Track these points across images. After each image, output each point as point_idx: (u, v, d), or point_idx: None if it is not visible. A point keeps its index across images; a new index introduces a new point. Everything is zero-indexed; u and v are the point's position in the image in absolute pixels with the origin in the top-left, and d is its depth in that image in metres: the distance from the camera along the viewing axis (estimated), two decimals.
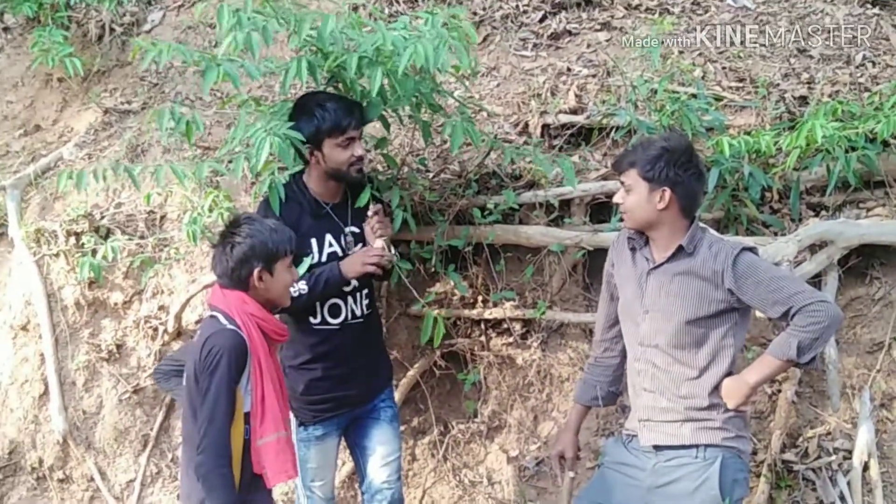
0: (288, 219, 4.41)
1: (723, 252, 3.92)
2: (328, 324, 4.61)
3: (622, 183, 4.04)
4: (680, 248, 3.98)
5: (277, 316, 4.18)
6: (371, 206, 4.63)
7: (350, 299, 4.63)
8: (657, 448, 4.06)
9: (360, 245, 4.63)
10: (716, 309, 3.92)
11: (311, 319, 4.60)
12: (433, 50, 4.21)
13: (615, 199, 4.14)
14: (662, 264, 4.04)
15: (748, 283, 3.85)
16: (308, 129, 4.40)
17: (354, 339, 4.67)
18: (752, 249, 3.99)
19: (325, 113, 4.40)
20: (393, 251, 4.68)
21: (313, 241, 4.56)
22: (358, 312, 4.67)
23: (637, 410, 4.18)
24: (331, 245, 4.59)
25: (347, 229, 4.64)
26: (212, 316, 3.92)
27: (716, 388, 3.97)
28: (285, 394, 4.08)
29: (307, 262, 4.47)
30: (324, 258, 4.56)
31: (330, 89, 4.74)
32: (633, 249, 4.16)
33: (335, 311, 4.61)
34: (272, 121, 4.34)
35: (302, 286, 4.41)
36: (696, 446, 3.96)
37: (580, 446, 4.59)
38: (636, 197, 3.98)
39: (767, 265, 3.97)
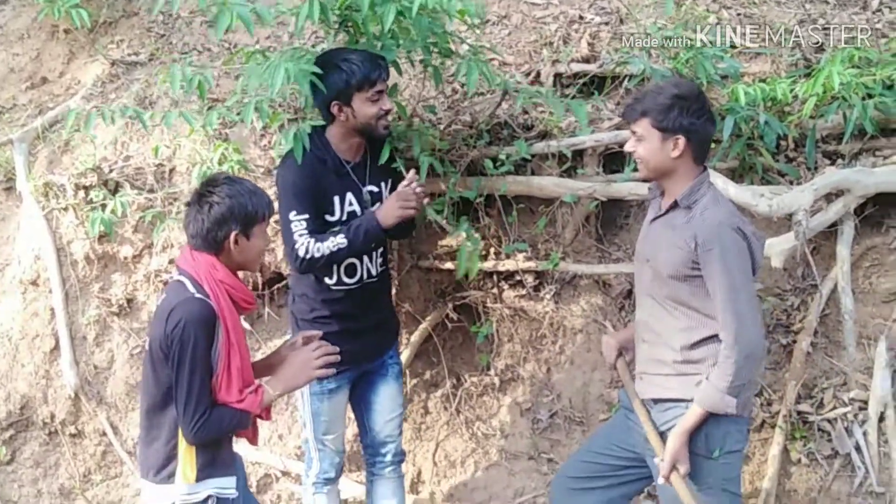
0: (312, 174, 4.39)
1: (705, 224, 3.80)
2: (344, 284, 4.59)
3: (633, 132, 3.98)
4: (675, 203, 3.92)
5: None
6: (407, 176, 4.55)
7: (366, 258, 4.60)
8: (653, 400, 4.07)
9: (378, 204, 4.58)
10: (696, 272, 3.84)
11: (327, 280, 4.57)
12: None
13: (626, 148, 4.06)
14: (662, 215, 4.00)
15: (707, 269, 3.78)
16: (338, 84, 4.33)
17: (368, 296, 4.67)
18: (738, 230, 3.83)
19: (354, 66, 4.32)
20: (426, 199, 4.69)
21: (336, 199, 4.51)
22: (373, 272, 4.65)
23: (637, 362, 4.21)
24: (351, 204, 4.54)
25: (366, 189, 4.59)
26: (178, 280, 3.79)
27: (706, 342, 3.91)
28: (248, 362, 3.93)
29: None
30: (344, 217, 4.51)
31: (341, 35, 4.69)
32: (652, 199, 4.13)
33: (351, 270, 4.58)
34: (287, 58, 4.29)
35: (340, 240, 4.36)
36: (686, 400, 3.94)
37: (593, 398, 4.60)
38: (649, 146, 3.91)
39: (731, 264, 3.78)
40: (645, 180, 4.23)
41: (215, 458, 3.83)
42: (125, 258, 5.79)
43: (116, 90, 6.22)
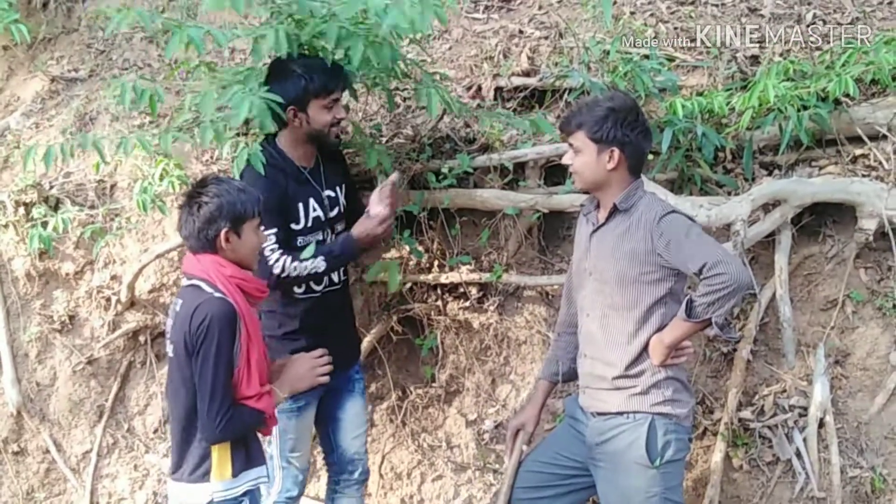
0: (276, 186, 4.39)
1: (652, 212, 3.94)
2: (312, 291, 4.60)
3: (570, 145, 4.06)
4: (615, 208, 4.00)
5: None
6: (391, 176, 4.65)
7: None
8: (595, 413, 4.15)
9: (335, 209, 4.65)
10: (647, 270, 3.94)
11: (296, 289, 4.57)
12: (419, 14, 4.06)
13: (564, 161, 4.17)
14: (602, 225, 4.08)
15: (671, 243, 3.86)
16: (294, 90, 4.36)
17: (333, 307, 4.69)
18: (683, 214, 4.01)
19: (314, 74, 4.36)
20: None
21: (300, 206, 4.52)
22: (336, 279, 4.69)
23: (580, 375, 4.28)
24: (314, 209, 4.57)
25: (325, 193, 4.62)
26: (192, 285, 3.83)
27: (642, 355, 4.02)
28: (263, 355, 3.99)
29: (311, 248, 4.44)
30: (309, 223, 4.54)
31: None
32: (585, 215, 4.19)
33: (318, 277, 4.58)
34: (249, 82, 4.26)
35: (320, 263, 4.41)
36: (625, 413, 4.04)
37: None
38: (585, 158, 4.01)
39: (690, 227, 3.92)
40: (584, 192, 4.31)
41: (248, 451, 3.90)
42: (67, 274, 5.75)
43: (56, 107, 6.18)
